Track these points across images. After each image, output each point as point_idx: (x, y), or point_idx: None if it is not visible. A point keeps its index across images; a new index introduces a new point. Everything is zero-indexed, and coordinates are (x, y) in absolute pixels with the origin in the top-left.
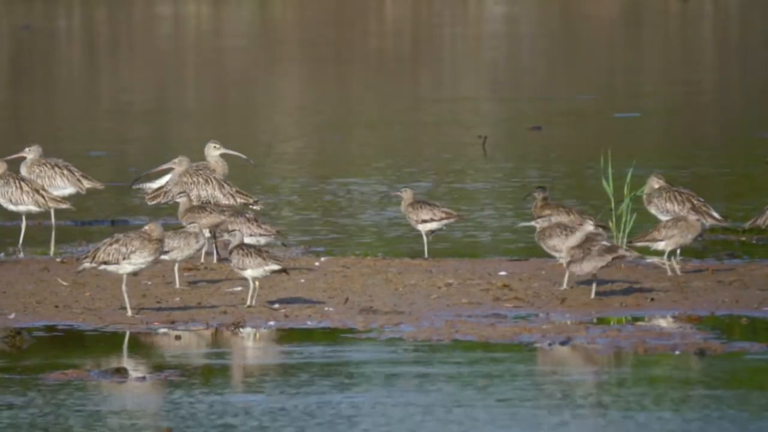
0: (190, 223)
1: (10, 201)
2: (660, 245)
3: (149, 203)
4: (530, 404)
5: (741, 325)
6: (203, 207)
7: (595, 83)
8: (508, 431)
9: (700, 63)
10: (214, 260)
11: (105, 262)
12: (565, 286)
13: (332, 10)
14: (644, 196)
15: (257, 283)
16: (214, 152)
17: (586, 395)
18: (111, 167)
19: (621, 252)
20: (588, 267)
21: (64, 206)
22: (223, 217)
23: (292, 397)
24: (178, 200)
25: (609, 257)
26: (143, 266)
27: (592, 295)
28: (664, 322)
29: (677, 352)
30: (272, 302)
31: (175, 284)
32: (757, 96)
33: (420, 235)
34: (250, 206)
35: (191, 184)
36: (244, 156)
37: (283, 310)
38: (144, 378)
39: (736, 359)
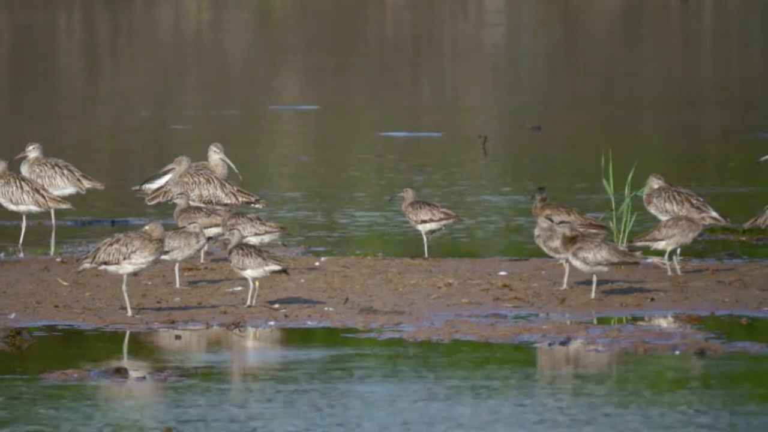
0: (191, 223)
1: (11, 201)
2: (660, 245)
3: (149, 203)
4: (529, 403)
5: (741, 325)
6: (198, 208)
7: (596, 83)
8: (508, 430)
9: (700, 62)
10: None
11: (105, 262)
12: (565, 285)
13: (332, 9)
14: (644, 197)
15: (257, 283)
16: (214, 156)
17: (586, 395)
18: (111, 167)
19: (632, 256)
20: (600, 255)
21: (64, 206)
22: (218, 219)
23: (292, 397)
24: (176, 201)
25: (620, 257)
26: (143, 266)
27: (592, 295)
28: (664, 322)
29: (677, 352)
30: (272, 302)
31: (175, 284)
32: (757, 96)
33: (420, 235)
34: (252, 205)
35: (192, 184)
36: (235, 169)
37: (283, 310)
38: (144, 378)
39: (736, 359)
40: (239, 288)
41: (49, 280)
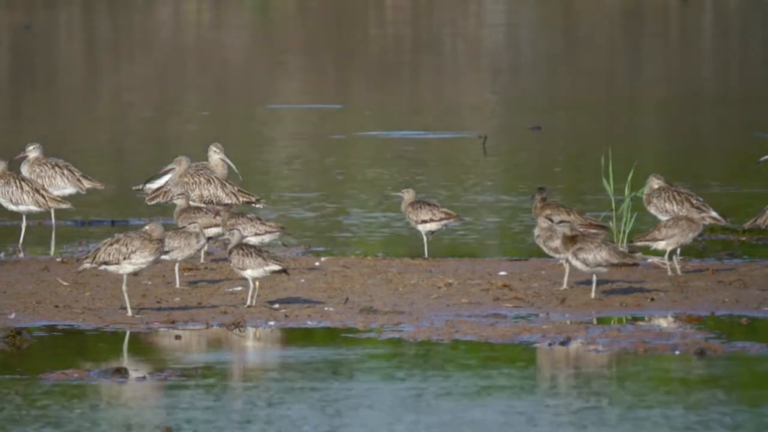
0: (191, 223)
1: (11, 201)
2: (660, 245)
3: (149, 203)
4: (529, 403)
5: (741, 325)
6: (198, 208)
7: (596, 83)
8: (509, 430)
9: (700, 63)
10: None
11: (105, 262)
12: (565, 285)
13: (332, 9)
14: (644, 197)
15: (257, 283)
16: (214, 156)
17: (586, 396)
18: (111, 167)
19: (632, 258)
20: (600, 256)
21: (64, 206)
22: (218, 219)
23: (292, 397)
24: (176, 201)
25: (620, 258)
26: (144, 266)
27: (592, 295)
28: (664, 322)
29: (677, 352)
30: (272, 302)
31: (175, 284)
32: (757, 96)
33: (420, 235)
34: (253, 205)
35: (193, 184)
36: (236, 169)
37: (283, 310)
38: (144, 378)
39: (736, 359)
40: (239, 288)
41: (49, 280)
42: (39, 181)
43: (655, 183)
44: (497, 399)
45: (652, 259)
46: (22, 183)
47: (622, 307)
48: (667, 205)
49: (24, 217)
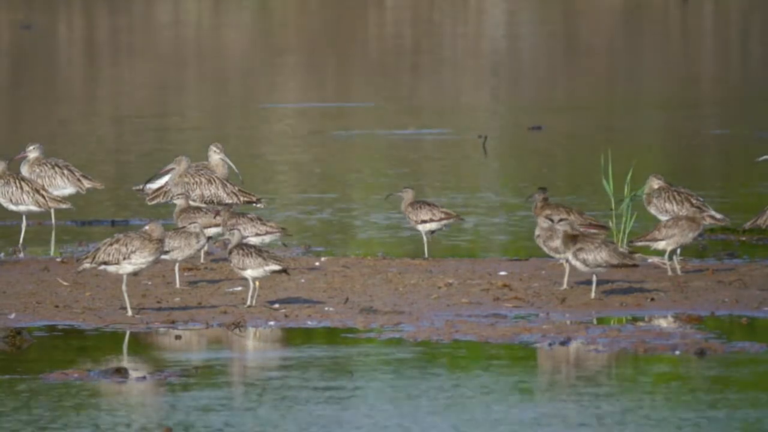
0: (191, 223)
1: (11, 201)
2: (660, 244)
3: (149, 203)
4: (529, 404)
5: (741, 325)
6: (198, 208)
7: (595, 83)
8: (509, 430)
9: (700, 63)
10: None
11: (105, 263)
12: (565, 285)
13: (332, 9)
14: (644, 197)
15: (257, 283)
16: (214, 156)
17: (586, 396)
18: (111, 167)
19: (632, 258)
20: (600, 257)
21: (64, 206)
22: (218, 219)
23: (292, 397)
24: (176, 201)
25: (620, 259)
26: (143, 266)
27: (592, 295)
28: (664, 322)
29: (677, 352)
30: (272, 302)
31: (175, 284)
32: (757, 96)
33: (420, 235)
34: (254, 204)
35: (194, 184)
36: (236, 169)
37: (283, 310)
38: (144, 378)
39: (736, 359)
40: (239, 288)
41: (49, 280)
42: (39, 181)
43: (655, 183)
44: (496, 399)
45: (652, 259)
46: (22, 183)
47: (622, 307)
48: (667, 205)
49: (24, 217)
